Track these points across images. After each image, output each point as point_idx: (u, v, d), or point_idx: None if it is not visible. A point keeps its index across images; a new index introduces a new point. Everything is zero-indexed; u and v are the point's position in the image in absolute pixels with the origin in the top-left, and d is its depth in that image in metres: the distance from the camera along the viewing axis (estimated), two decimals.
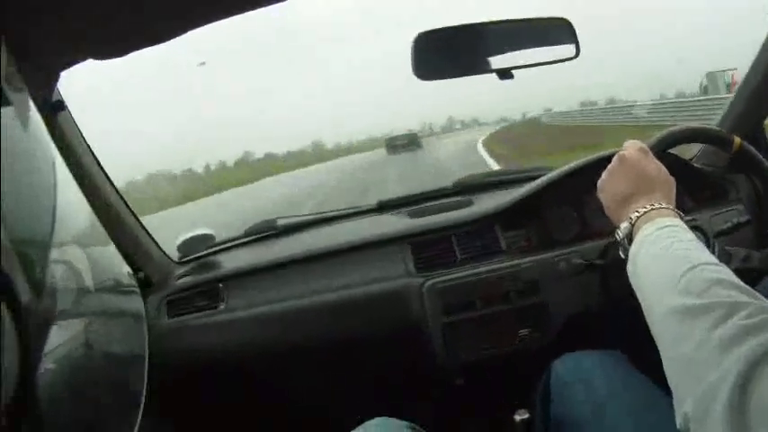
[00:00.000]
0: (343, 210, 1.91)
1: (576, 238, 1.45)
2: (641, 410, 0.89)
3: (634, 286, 0.75)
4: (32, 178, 0.37)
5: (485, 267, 1.45)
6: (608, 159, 1.41)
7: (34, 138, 0.38)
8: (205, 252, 1.72)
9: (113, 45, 0.93)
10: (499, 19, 1.20)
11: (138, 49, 0.95)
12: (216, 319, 1.52)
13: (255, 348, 1.54)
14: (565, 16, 1.20)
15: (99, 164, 1.29)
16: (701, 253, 0.69)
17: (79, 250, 0.46)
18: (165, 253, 1.63)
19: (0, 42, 0.33)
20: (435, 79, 1.18)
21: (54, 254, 0.36)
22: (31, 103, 0.36)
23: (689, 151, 1.61)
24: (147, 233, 1.53)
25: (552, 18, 1.22)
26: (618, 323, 1.07)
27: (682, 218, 0.80)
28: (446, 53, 1.16)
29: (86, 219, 0.49)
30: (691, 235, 0.75)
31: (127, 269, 0.58)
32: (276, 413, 1.68)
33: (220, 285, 1.56)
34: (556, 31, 1.21)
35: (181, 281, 1.60)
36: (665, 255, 0.71)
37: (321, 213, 1.90)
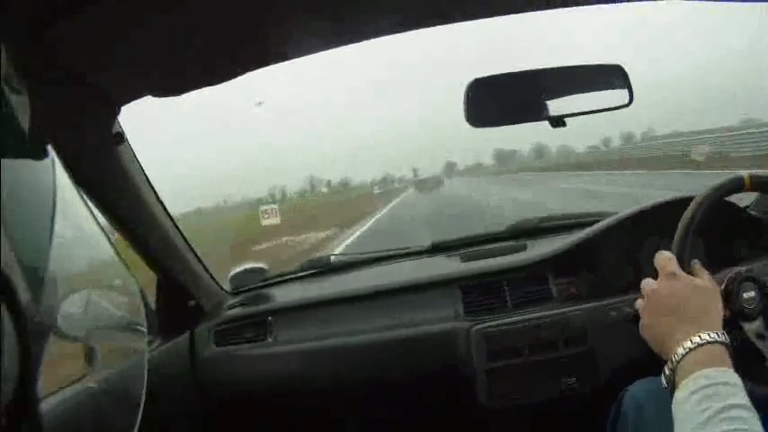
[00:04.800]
0: (397, 249, 1.91)
1: (628, 286, 1.39)
2: None
3: None
4: (32, 179, 0.38)
5: (534, 314, 1.42)
6: (664, 207, 1.38)
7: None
8: (257, 284, 1.76)
9: (171, 83, 0.99)
10: (552, 66, 1.20)
11: (195, 88, 1.01)
12: (263, 351, 1.54)
13: (300, 382, 1.55)
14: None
15: (157, 196, 1.34)
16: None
17: (79, 250, 0.46)
18: (217, 283, 1.68)
19: None
20: (487, 126, 1.18)
21: (54, 254, 0.37)
22: (29, 103, 0.38)
23: (747, 198, 1.55)
24: (202, 263, 1.58)
25: (605, 65, 1.21)
26: None
27: (723, 344, 0.76)
28: (498, 100, 1.16)
29: (85, 221, 0.49)
30: (729, 392, 0.69)
31: (132, 279, 0.58)
32: None
33: (270, 318, 1.58)
34: (609, 77, 1.19)
35: (231, 311, 1.63)
36: None
37: (374, 252, 1.92)
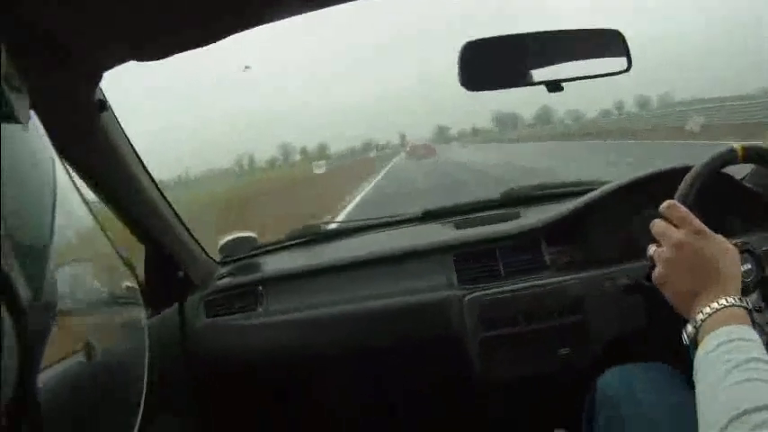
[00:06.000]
0: (388, 217, 1.90)
1: (622, 256, 1.39)
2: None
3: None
4: (32, 177, 0.38)
5: (528, 283, 1.42)
6: (659, 177, 1.36)
7: (34, 137, 0.39)
8: (247, 254, 1.74)
9: (155, 47, 0.94)
10: (549, 30, 1.17)
11: (179, 51, 0.96)
12: (253, 321, 1.54)
13: (291, 352, 1.55)
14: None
15: (143, 164, 1.30)
16: (755, 391, 0.66)
17: (79, 251, 0.46)
18: (207, 254, 1.66)
19: None
20: (482, 90, 1.16)
21: (54, 253, 0.37)
22: (28, 102, 0.37)
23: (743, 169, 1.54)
24: (190, 234, 1.55)
25: (604, 30, 1.17)
26: (664, 338, 1.04)
27: (748, 309, 0.76)
28: (494, 63, 1.13)
29: (85, 218, 0.49)
30: (752, 346, 0.70)
31: (127, 271, 0.58)
32: (308, 417, 1.68)
33: (260, 288, 1.57)
34: (607, 43, 1.16)
35: (221, 282, 1.62)
36: (718, 389, 0.68)
37: (366, 220, 1.91)
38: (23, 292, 0.32)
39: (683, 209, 0.84)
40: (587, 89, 1.21)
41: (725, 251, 0.81)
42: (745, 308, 0.76)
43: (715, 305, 0.76)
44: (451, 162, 19.71)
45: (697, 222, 0.82)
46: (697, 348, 0.75)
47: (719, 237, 0.83)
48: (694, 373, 0.74)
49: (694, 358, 0.75)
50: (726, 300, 0.76)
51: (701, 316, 0.77)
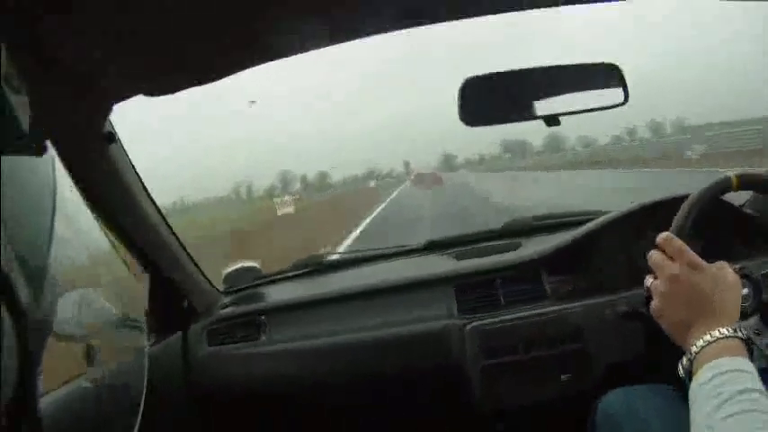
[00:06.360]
0: (391, 248, 1.91)
1: (623, 283, 1.39)
2: None
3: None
4: (32, 179, 0.38)
5: (528, 312, 1.42)
6: (657, 206, 1.38)
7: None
8: (250, 284, 1.76)
9: (164, 82, 0.98)
10: (547, 65, 1.20)
11: (188, 87, 1.00)
12: (256, 351, 1.54)
13: (294, 382, 1.55)
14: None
15: (149, 194, 1.32)
16: (748, 422, 0.66)
17: (78, 250, 0.47)
18: (211, 283, 1.67)
19: None
20: (482, 125, 1.18)
21: (53, 253, 0.37)
22: (28, 102, 0.38)
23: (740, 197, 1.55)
24: (194, 263, 1.56)
25: (600, 63, 1.20)
26: (664, 363, 1.04)
27: (744, 340, 0.77)
28: (493, 99, 1.16)
29: (84, 221, 0.50)
30: (746, 378, 0.71)
31: (130, 275, 0.58)
32: None
33: (262, 318, 1.58)
34: (604, 76, 1.19)
35: (224, 311, 1.62)
36: (711, 421, 0.68)
37: (369, 251, 1.92)
38: (23, 292, 0.32)
39: (679, 242, 0.85)
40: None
41: (721, 281, 0.82)
42: (740, 338, 0.77)
43: (708, 337, 0.77)
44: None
45: (692, 255, 0.83)
46: (691, 380, 0.76)
47: (715, 267, 0.84)
48: (690, 404, 0.74)
49: (689, 390, 0.75)
50: (720, 331, 0.77)
51: (695, 348, 0.77)
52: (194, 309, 1.59)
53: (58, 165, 0.43)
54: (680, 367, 0.80)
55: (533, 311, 1.42)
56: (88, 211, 0.50)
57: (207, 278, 1.65)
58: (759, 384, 0.70)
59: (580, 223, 1.59)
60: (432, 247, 1.84)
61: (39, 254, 0.36)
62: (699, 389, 0.73)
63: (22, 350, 0.31)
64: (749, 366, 0.73)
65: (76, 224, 0.48)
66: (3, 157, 0.32)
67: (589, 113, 1.20)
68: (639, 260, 1.40)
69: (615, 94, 1.18)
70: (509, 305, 1.46)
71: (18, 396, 0.32)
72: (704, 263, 0.83)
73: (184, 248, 1.51)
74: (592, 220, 1.55)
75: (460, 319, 1.46)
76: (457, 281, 1.53)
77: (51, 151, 0.42)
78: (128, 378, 0.54)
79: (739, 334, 0.77)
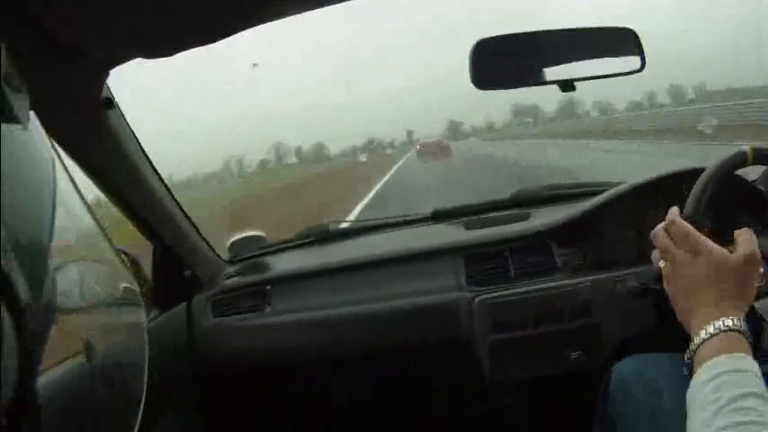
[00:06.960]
0: (398, 217, 1.88)
1: (633, 258, 1.37)
2: None
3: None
4: (32, 178, 0.38)
5: (538, 285, 1.40)
6: (671, 178, 1.34)
7: (33, 137, 0.38)
8: (255, 253, 1.73)
9: (163, 43, 0.94)
10: (562, 28, 1.16)
11: (188, 48, 0.95)
12: (260, 322, 1.53)
13: (299, 352, 1.54)
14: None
15: (150, 163, 1.29)
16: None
17: (78, 250, 0.47)
18: (215, 253, 1.65)
19: None
20: (493, 89, 1.15)
21: (53, 253, 0.37)
22: (28, 102, 0.37)
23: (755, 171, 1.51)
24: (198, 232, 1.54)
25: (617, 28, 1.16)
26: (676, 337, 1.03)
27: (742, 332, 0.74)
28: (505, 62, 1.11)
29: (84, 219, 0.49)
30: (746, 378, 0.69)
31: (126, 271, 0.58)
32: (314, 417, 1.68)
33: (268, 288, 1.56)
34: (621, 41, 1.14)
35: (228, 281, 1.61)
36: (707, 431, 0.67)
37: (375, 220, 1.89)
38: (23, 292, 0.31)
39: (683, 226, 0.82)
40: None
41: (725, 266, 0.79)
42: (741, 331, 0.74)
43: (711, 329, 0.75)
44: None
45: (695, 241, 0.80)
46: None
47: (722, 251, 0.79)
48: (687, 404, 0.73)
49: (689, 387, 0.74)
50: (723, 323, 0.74)
51: (692, 345, 0.76)
52: (198, 279, 1.57)
53: (59, 165, 0.43)
54: (685, 358, 0.79)
55: (544, 285, 1.40)
56: (88, 212, 0.50)
57: (211, 247, 1.63)
58: (758, 385, 0.68)
59: (591, 194, 1.55)
60: (439, 216, 1.80)
61: (39, 253, 0.35)
62: (697, 390, 0.71)
63: (22, 350, 0.31)
64: (748, 364, 0.71)
65: (77, 223, 0.47)
66: (3, 156, 0.32)
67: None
68: (650, 234, 1.38)
69: (632, 61, 1.14)
70: (519, 278, 1.44)
71: (18, 396, 0.32)
72: (708, 247, 0.79)
73: (188, 217, 1.48)
74: (603, 191, 1.51)
75: (469, 291, 1.44)
76: (465, 251, 1.51)
77: (51, 152, 0.42)
78: (128, 355, 0.54)
79: (737, 326, 0.74)
